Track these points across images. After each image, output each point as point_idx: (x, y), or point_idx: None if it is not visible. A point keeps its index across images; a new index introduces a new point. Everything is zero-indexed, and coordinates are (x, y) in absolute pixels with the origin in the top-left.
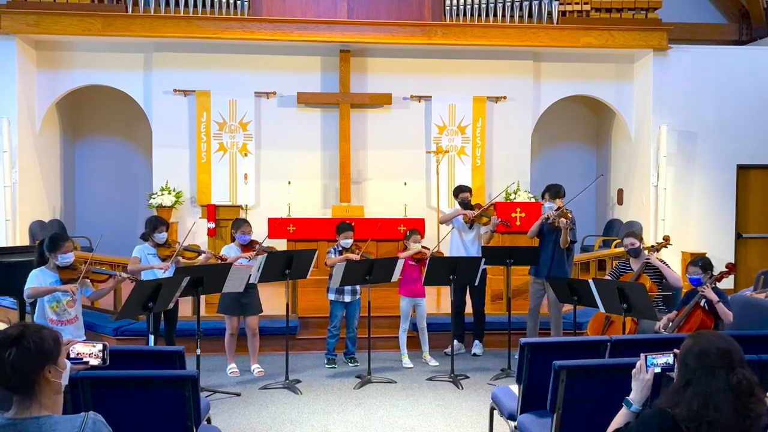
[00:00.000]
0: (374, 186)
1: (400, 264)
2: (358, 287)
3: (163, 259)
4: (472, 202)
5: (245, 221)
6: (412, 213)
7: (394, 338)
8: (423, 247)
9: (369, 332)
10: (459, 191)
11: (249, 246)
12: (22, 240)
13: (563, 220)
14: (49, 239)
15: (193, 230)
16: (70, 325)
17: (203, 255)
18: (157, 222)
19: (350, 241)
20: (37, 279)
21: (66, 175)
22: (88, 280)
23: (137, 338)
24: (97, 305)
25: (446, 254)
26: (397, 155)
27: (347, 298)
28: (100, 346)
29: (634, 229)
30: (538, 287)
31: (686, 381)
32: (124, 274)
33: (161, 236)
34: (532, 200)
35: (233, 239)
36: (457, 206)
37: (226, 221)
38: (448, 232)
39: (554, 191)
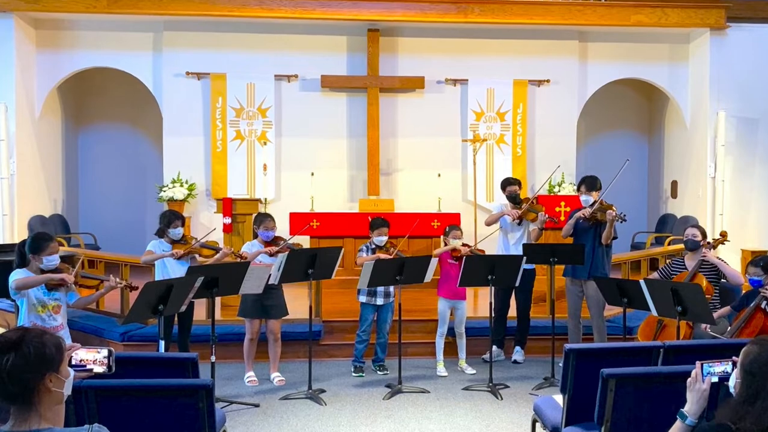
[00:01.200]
0: (405, 177)
1: (433, 263)
2: (391, 289)
3: (179, 257)
4: (520, 196)
5: (268, 216)
6: (446, 207)
7: (426, 344)
8: (464, 244)
9: (399, 337)
10: (507, 184)
11: (273, 243)
12: (21, 237)
13: (610, 212)
14: (32, 239)
15: (209, 227)
16: (55, 333)
17: (220, 252)
18: (172, 216)
19: (385, 238)
20: (23, 275)
21: (68, 166)
22: (74, 286)
23: (147, 344)
24: (102, 307)
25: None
26: (431, 144)
27: (380, 301)
28: (105, 352)
29: (692, 224)
30: (576, 289)
31: (754, 392)
32: (117, 280)
33: (177, 232)
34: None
35: (255, 236)
36: (500, 206)
37: (243, 216)
38: (493, 231)
39: (590, 183)
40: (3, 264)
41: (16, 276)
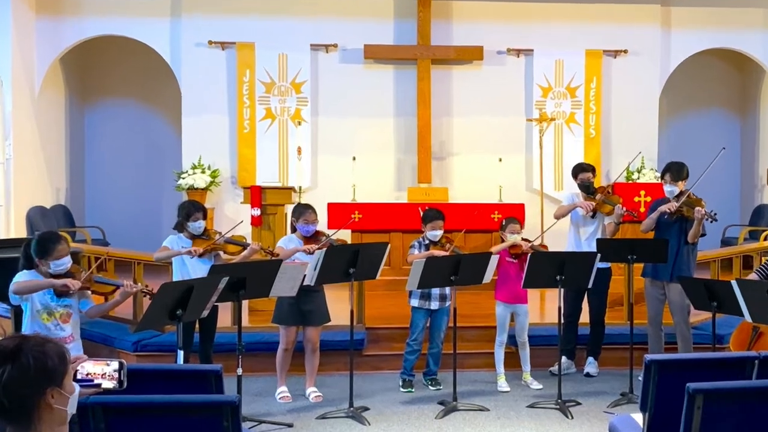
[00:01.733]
0: (461, 162)
1: (493, 261)
2: (447, 291)
3: (201, 255)
4: (594, 185)
5: (309, 207)
6: (508, 196)
7: (486, 354)
8: (523, 239)
9: (455, 347)
10: (579, 170)
11: (313, 238)
12: (18, 231)
13: (699, 210)
14: (37, 242)
15: (235, 219)
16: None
17: (248, 248)
18: (192, 208)
19: (439, 232)
20: (26, 277)
21: (73, 149)
22: (88, 292)
23: (163, 354)
24: (112, 313)
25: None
26: (490, 124)
27: (434, 305)
28: (115, 365)
29: None
30: (657, 292)
31: None
32: (134, 286)
33: (197, 225)
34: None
35: (293, 229)
36: (571, 195)
37: (274, 207)
38: (553, 224)
39: (676, 172)
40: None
41: (19, 279)
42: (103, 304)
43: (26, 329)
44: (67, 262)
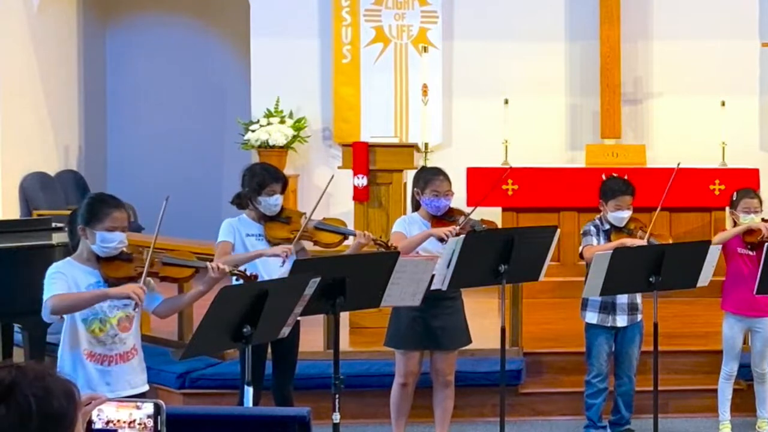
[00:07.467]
0: (664, 108)
1: (713, 254)
2: (638, 298)
3: (276, 245)
4: None
5: (439, 172)
6: (735, 158)
7: (703, 392)
8: (764, 220)
9: (655, 382)
10: None
11: (446, 218)
12: (7, 208)
13: None
14: (86, 204)
15: (328, 190)
16: (125, 363)
17: (357, 238)
18: (267, 175)
19: (627, 213)
20: (63, 279)
21: (89, 90)
22: (151, 281)
23: (222, 393)
24: (147, 331)
25: None
26: (708, 50)
27: (620, 321)
28: (149, 408)
29: None
30: None
31: None
32: (223, 265)
33: (273, 202)
34: None
35: (416, 206)
36: None
37: (388, 174)
38: None
39: None
40: None
41: (53, 288)
42: (179, 297)
43: (66, 344)
44: (121, 239)
